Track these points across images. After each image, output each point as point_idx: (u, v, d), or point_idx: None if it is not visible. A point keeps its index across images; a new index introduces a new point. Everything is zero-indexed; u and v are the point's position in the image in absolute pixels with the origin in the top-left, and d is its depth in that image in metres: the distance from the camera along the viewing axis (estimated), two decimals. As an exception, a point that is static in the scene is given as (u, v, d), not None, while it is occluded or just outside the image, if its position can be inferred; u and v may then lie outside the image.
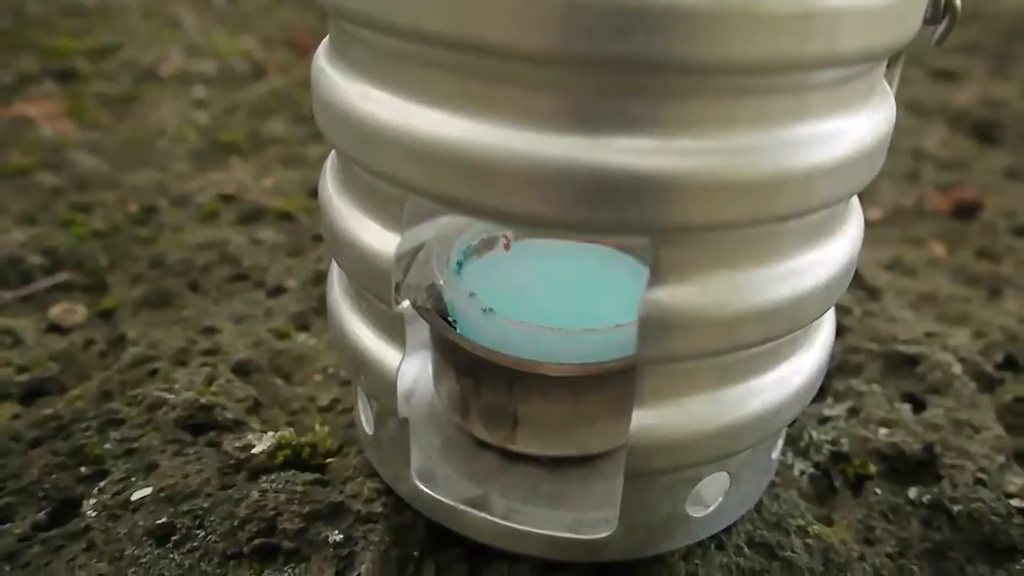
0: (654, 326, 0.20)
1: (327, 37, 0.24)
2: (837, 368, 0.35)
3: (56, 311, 0.40)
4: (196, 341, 0.37)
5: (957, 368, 0.35)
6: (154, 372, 0.35)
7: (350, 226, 0.23)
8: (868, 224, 0.49)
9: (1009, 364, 0.36)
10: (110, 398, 0.33)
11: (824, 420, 0.32)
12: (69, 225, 0.47)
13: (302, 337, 0.38)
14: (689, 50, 0.17)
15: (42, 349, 0.37)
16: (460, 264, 0.29)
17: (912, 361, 0.35)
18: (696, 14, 0.17)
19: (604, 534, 0.25)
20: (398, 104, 0.20)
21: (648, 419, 0.22)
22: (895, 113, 0.23)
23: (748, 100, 0.19)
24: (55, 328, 0.39)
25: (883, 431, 0.31)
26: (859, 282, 0.41)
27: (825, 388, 0.34)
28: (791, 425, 0.32)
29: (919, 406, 0.33)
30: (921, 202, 0.53)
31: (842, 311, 0.38)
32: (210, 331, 0.38)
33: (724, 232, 0.20)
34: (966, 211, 0.51)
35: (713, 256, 0.20)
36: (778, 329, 0.22)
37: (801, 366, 0.25)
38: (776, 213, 0.20)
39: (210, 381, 0.34)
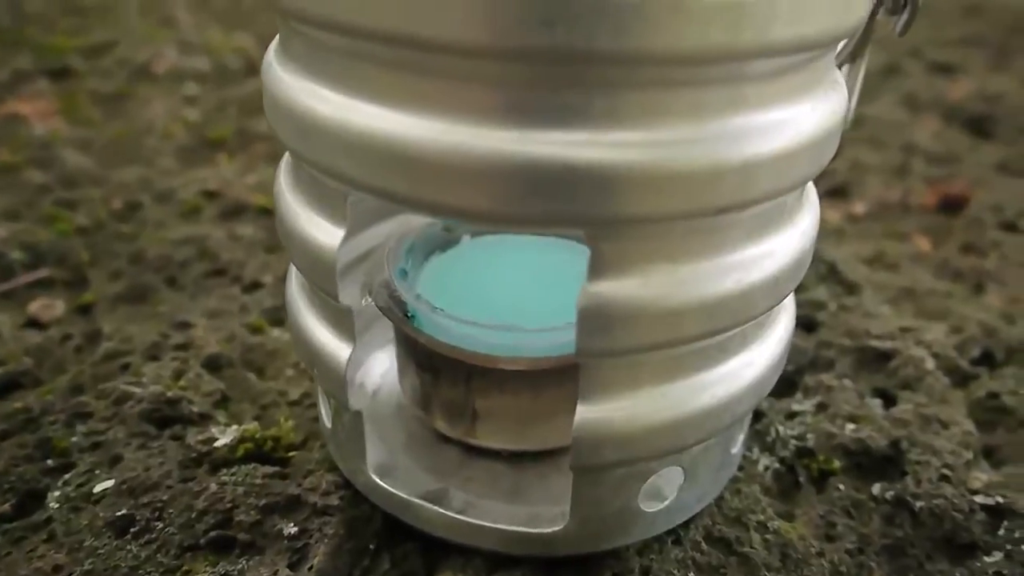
0: (594, 320, 0.20)
1: (279, 34, 0.24)
2: (809, 363, 0.35)
3: (35, 306, 0.40)
4: (169, 336, 0.37)
5: (930, 363, 0.34)
6: (126, 366, 0.35)
7: (299, 221, 0.23)
8: (852, 219, 0.48)
9: (986, 359, 0.36)
10: (81, 392, 0.33)
11: (792, 415, 0.32)
12: (53, 221, 0.47)
13: (276, 332, 0.38)
14: (616, 42, 0.17)
15: (18, 343, 0.37)
16: (412, 264, 0.29)
17: (885, 356, 0.35)
18: (620, 5, 0.17)
19: (557, 528, 0.25)
20: (335, 99, 0.20)
21: (592, 413, 0.22)
22: (845, 105, 0.23)
23: (681, 91, 0.18)
24: (33, 323, 0.39)
25: (850, 426, 0.31)
26: (836, 277, 0.40)
27: (795, 383, 0.34)
28: (758, 421, 0.32)
29: (890, 401, 0.33)
30: (907, 196, 0.52)
31: (817, 306, 0.38)
32: (184, 326, 0.38)
33: (663, 225, 0.20)
34: (953, 205, 0.51)
35: (654, 249, 0.20)
36: (724, 322, 0.22)
37: (753, 360, 0.25)
38: (715, 205, 0.20)
39: (179, 375, 0.34)
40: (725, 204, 0.20)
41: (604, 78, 0.18)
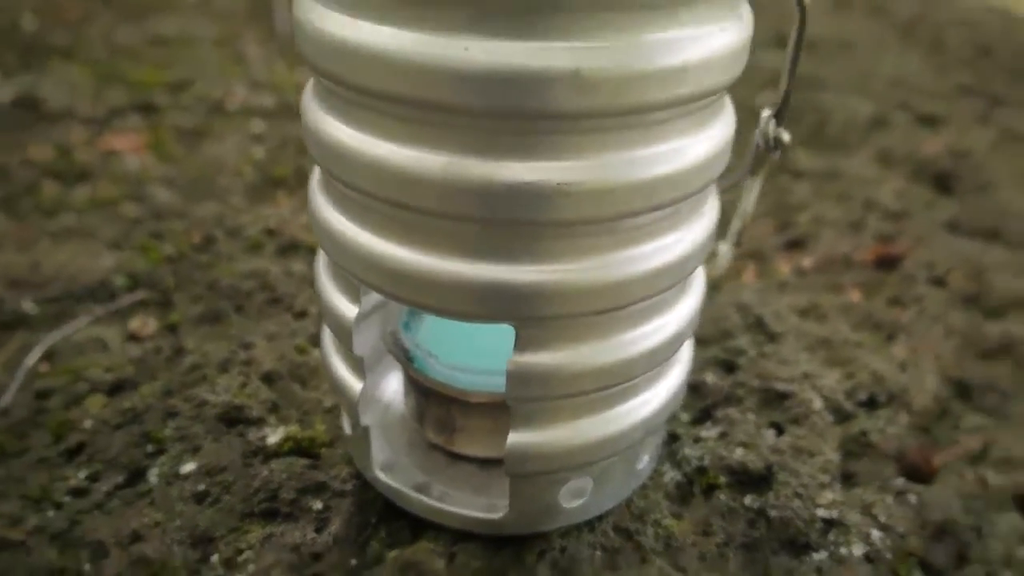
0: (517, 379, 0.31)
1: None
2: (723, 399, 0.45)
3: (134, 324, 0.52)
4: (237, 353, 0.48)
5: (818, 404, 0.44)
6: (204, 377, 0.46)
7: (331, 298, 0.34)
8: (799, 272, 0.58)
9: (869, 403, 0.45)
10: (171, 396, 0.45)
11: (698, 440, 0.42)
12: (146, 251, 0.59)
13: (317, 353, 0.49)
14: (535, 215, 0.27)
15: (123, 354, 0.49)
16: (414, 317, 0.40)
17: (784, 397, 0.44)
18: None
19: (501, 515, 0.36)
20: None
21: (519, 438, 0.32)
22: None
23: (582, 240, 0.29)
24: (133, 337, 0.51)
25: (739, 451, 0.41)
26: (762, 328, 0.50)
27: (709, 415, 0.44)
28: (674, 442, 0.42)
29: (781, 433, 0.43)
30: (853, 252, 0.61)
31: (739, 352, 0.48)
32: (248, 346, 0.49)
33: (565, 320, 0.30)
34: (888, 263, 0.59)
35: (559, 334, 0.31)
36: (614, 381, 0.32)
37: (645, 402, 0.35)
38: (597, 309, 0.30)
39: (243, 386, 0.45)
40: (605, 307, 0.30)
41: (523, 235, 0.28)
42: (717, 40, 0.27)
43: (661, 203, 0.29)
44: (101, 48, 1.01)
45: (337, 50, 0.27)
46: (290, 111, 0.86)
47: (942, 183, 0.73)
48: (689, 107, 0.28)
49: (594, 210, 0.28)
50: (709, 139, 0.29)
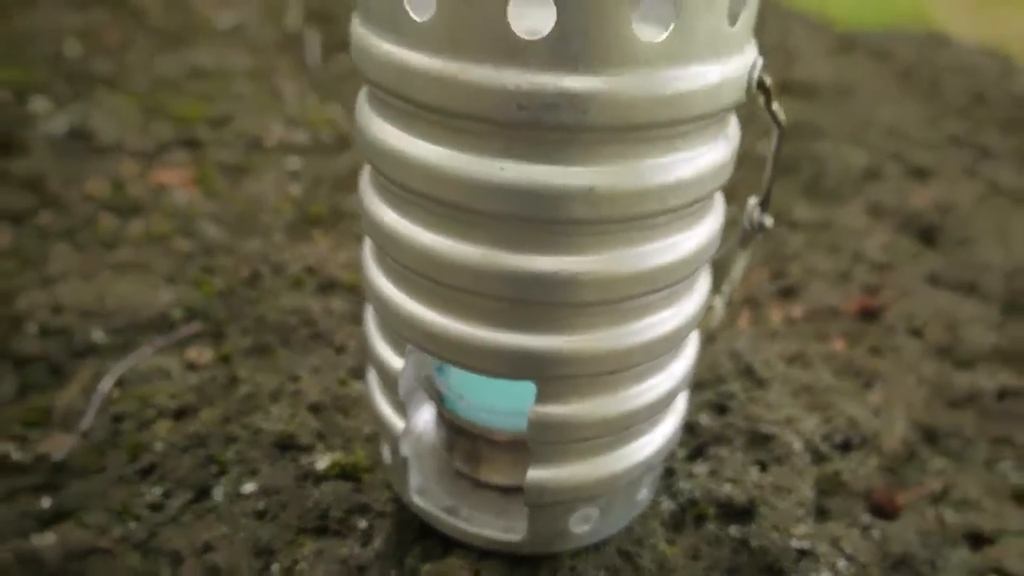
0: (538, 426, 0.37)
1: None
2: (714, 439, 0.51)
3: (191, 354, 0.58)
4: (286, 384, 0.55)
5: (798, 445, 0.50)
6: (258, 406, 0.53)
7: (378, 349, 0.40)
8: (789, 321, 0.64)
9: (843, 445, 0.51)
10: (229, 422, 0.51)
11: (691, 475, 0.48)
12: (199, 285, 0.65)
13: (357, 385, 0.55)
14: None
15: (183, 382, 0.55)
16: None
17: (768, 438, 0.50)
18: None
19: (519, 537, 0.42)
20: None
21: (537, 472, 0.38)
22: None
23: (594, 316, 0.35)
24: (191, 366, 0.57)
25: (727, 487, 0.47)
26: (751, 375, 0.56)
27: (702, 452, 0.50)
28: (670, 476, 0.48)
29: (764, 471, 0.49)
30: (839, 304, 0.67)
31: (730, 396, 0.54)
32: (295, 378, 0.55)
33: (579, 378, 0.36)
34: (871, 314, 0.65)
35: (574, 390, 0.37)
36: (618, 428, 0.38)
37: (644, 445, 0.41)
38: (606, 370, 0.36)
39: (293, 415, 0.52)
40: (612, 369, 0.36)
41: (546, 315, 0.34)
42: (706, 159, 0.33)
43: (659, 287, 0.35)
44: (142, 78, 1.07)
45: (394, 159, 0.34)
46: (323, 148, 0.92)
47: (927, 236, 0.79)
48: (682, 212, 0.34)
49: (604, 294, 0.34)
50: (699, 235, 0.36)
